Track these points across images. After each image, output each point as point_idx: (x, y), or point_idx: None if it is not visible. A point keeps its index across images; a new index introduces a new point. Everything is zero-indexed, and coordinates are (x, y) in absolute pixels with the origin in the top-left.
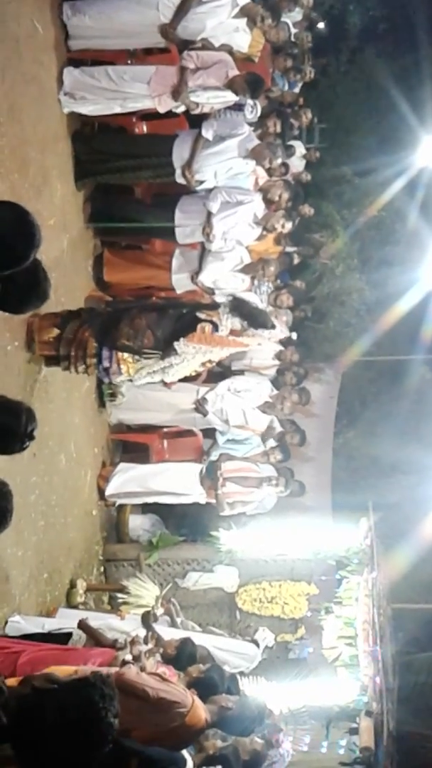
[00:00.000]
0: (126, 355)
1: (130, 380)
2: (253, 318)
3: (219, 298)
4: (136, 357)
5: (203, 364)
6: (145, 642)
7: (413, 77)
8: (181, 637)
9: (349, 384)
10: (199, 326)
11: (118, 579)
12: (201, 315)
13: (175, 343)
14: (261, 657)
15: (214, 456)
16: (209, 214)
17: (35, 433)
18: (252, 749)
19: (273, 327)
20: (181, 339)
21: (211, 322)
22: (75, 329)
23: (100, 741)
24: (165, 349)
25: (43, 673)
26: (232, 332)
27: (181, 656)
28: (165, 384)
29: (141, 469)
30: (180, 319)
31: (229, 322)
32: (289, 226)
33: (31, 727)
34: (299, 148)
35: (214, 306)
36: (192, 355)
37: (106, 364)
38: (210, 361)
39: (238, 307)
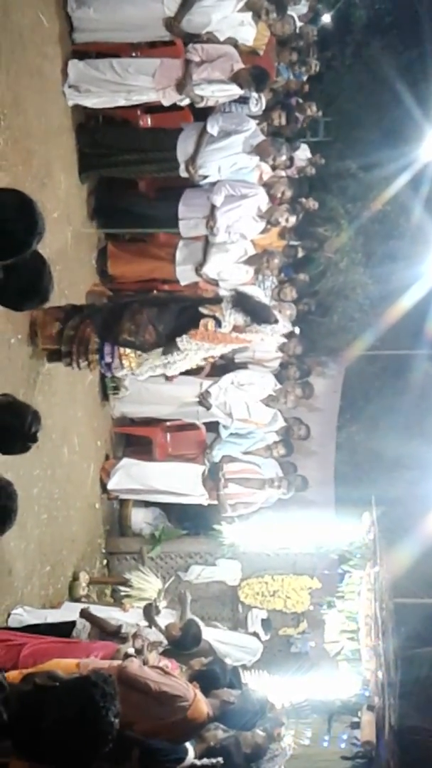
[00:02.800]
0: (128, 350)
1: (133, 374)
2: (256, 313)
3: (222, 292)
4: (138, 352)
5: (205, 359)
6: (150, 626)
7: (418, 71)
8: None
9: (352, 378)
10: (201, 322)
11: (121, 572)
12: (204, 310)
13: (178, 340)
14: (264, 637)
15: (216, 457)
16: (213, 207)
17: (38, 435)
18: (254, 742)
19: (276, 322)
20: (184, 335)
21: (214, 317)
22: (76, 325)
23: (100, 740)
24: (167, 344)
25: (45, 670)
26: (235, 328)
27: (186, 636)
28: (167, 378)
29: (143, 467)
30: (182, 313)
31: (232, 318)
32: (293, 220)
33: (32, 725)
34: (305, 152)
35: (217, 300)
36: (194, 351)
37: (108, 359)
38: (212, 357)
39: (241, 302)
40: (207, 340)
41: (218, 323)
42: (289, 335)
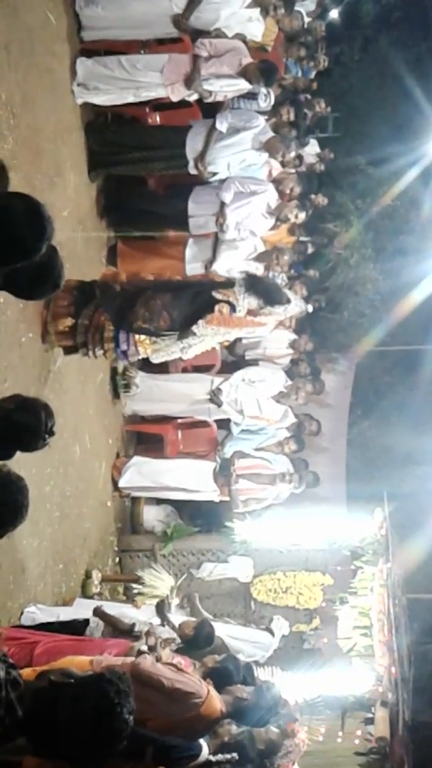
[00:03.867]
0: (143, 336)
1: (146, 358)
2: (268, 295)
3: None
4: (153, 338)
5: (221, 342)
6: (162, 624)
7: (427, 65)
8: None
9: (363, 374)
10: (216, 307)
11: (133, 569)
12: (217, 295)
13: (194, 326)
14: (277, 646)
15: (227, 453)
16: (222, 204)
17: (54, 428)
18: (267, 738)
19: (289, 302)
20: (200, 321)
21: (228, 302)
22: (90, 314)
23: (115, 737)
24: (182, 329)
25: (59, 667)
26: (249, 312)
27: (199, 636)
28: (182, 360)
29: (154, 465)
30: (195, 299)
31: (245, 302)
32: (302, 216)
33: (47, 721)
34: (314, 147)
35: (229, 284)
36: (211, 336)
37: (123, 347)
38: (227, 340)
39: (254, 285)
40: (223, 325)
41: (233, 308)
42: (300, 330)
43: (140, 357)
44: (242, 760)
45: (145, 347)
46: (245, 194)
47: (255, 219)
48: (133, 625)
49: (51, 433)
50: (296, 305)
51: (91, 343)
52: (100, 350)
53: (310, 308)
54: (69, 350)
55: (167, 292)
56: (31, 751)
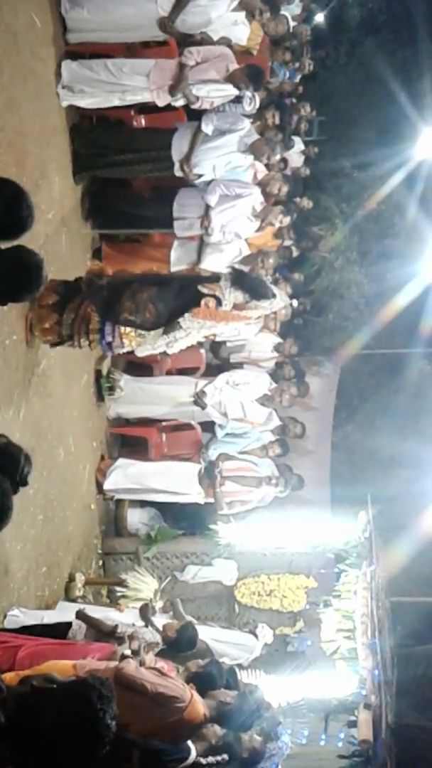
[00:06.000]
0: (128, 329)
1: (131, 362)
2: (254, 289)
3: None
4: (139, 331)
5: (206, 336)
6: (146, 626)
7: (412, 69)
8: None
9: (348, 377)
10: (203, 301)
11: (117, 572)
12: (203, 289)
13: (180, 319)
14: (259, 653)
15: (212, 455)
16: (207, 207)
17: (28, 479)
18: (251, 747)
19: (274, 297)
20: (186, 314)
21: (214, 296)
22: (76, 306)
23: (98, 742)
24: (168, 322)
25: (42, 672)
26: (235, 306)
27: (181, 639)
28: (167, 355)
29: (139, 467)
30: (182, 292)
31: (231, 296)
32: (287, 221)
33: (29, 727)
34: (298, 144)
35: (215, 279)
36: (197, 329)
37: (108, 338)
38: (213, 334)
39: (239, 279)
40: (209, 318)
41: (219, 302)
42: (285, 333)
43: (125, 350)
44: (232, 759)
45: (130, 340)
46: (230, 197)
47: (240, 222)
48: (116, 626)
49: (25, 483)
50: (281, 300)
51: (76, 334)
52: (86, 341)
53: (294, 303)
54: (54, 345)
55: (153, 285)
56: (13, 760)
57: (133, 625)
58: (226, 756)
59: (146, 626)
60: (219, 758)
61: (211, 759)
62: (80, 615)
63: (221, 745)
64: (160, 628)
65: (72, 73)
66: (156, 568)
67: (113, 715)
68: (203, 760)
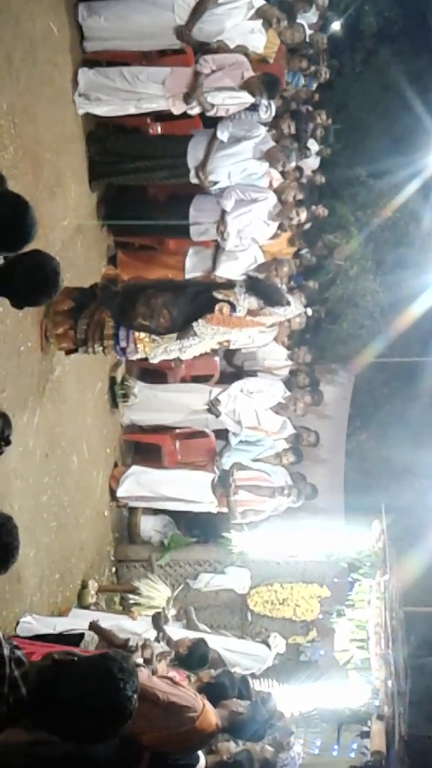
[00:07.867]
0: (143, 334)
1: (146, 359)
2: (269, 296)
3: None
4: (153, 336)
5: (220, 343)
6: (157, 641)
7: (428, 78)
8: (195, 637)
9: (362, 386)
10: (217, 307)
11: (130, 580)
12: (218, 295)
13: (194, 324)
14: (272, 662)
15: (226, 465)
16: (223, 212)
17: (11, 438)
18: (263, 757)
19: (288, 304)
20: (200, 320)
21: (229, 302)
22: (91, 314)
23: (119, 713)
24: (182, 328)
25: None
26: (249, 312)
27: (192, 657)
28: (181, 362)
29: (153, 475)
30: (196, 298)
31: (246, 302)
32: (304, 215)
33: (51, 698)
34: (312, 146)
35: (230, 285)
36: (210, 335)
37: (123, 344)
38: (227, 341)
39: (254, 286)
40: (222, 324)
41: (233, 308)
42: (299, 341)
43: (138, 356)
44: None
45: (144, 345)
46: (246, 202)
47: (256, 226)
48: (128, 640)
49: (7, 442)
50: (295, 308)
51: (90, 339)
52: (100, 346)
53: (309, 311)
54: (69, 352)
55: (168, 291)
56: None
57: (144, 636)
58: None
59: (158, 635)
60: None
61: None
62: (93, 626)
63: (231, 762)
64: (173, 637)
65: (88, 81)
66: (169, 575)
67: (134, 688)
68: None
